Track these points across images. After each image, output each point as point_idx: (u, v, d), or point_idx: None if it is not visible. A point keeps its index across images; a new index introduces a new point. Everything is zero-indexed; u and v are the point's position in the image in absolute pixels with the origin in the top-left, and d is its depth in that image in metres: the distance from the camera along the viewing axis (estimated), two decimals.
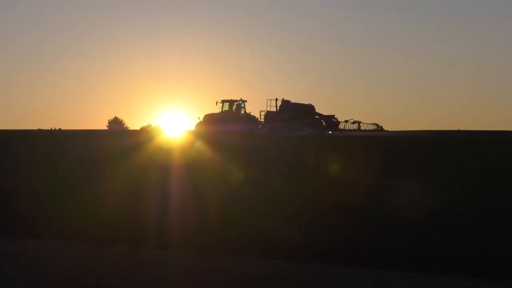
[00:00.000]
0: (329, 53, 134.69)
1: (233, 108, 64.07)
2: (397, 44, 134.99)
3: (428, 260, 7.64)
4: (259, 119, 65.03)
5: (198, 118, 64.29)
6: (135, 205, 11.30)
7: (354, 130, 69.03)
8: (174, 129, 67.06)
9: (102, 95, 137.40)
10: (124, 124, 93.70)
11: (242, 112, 63.62)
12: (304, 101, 68.03)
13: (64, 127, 71.96)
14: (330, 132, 64.61)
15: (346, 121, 69.29)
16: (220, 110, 63.57)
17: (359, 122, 70.23)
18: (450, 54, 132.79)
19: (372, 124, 71.68)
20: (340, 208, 11.21)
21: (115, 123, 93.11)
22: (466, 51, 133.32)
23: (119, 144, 35.82)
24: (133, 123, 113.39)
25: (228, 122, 60.83)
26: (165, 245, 8.65)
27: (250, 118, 63.98)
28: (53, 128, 72.83)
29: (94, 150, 30.64)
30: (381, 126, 72.09)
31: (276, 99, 66.37)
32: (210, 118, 62.76)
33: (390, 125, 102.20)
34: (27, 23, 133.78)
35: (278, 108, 65.99)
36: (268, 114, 65.75)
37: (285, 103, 66.20)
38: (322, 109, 76.12)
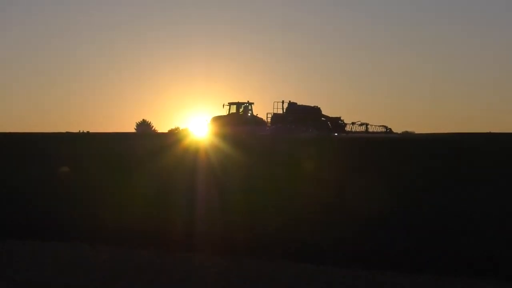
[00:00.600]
0: (339, 55, 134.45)
1: (240, 111, 64.97)
2: (403, 44, 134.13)
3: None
4: (266, 122, 65.55)
5: (206, 120, 65.23)
6: (162, 207, 11.38)
7: (361, 132, 69.40)
8: (202, 131, 67.48)
9: (130, 97, 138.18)
10: (152, 126, 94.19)
11: (249, 114, 64.50)
12: (312, 103, 69.55)
13: (92, 130, 72.51)
14: (336, 134, 64.71)
15: (353, 123, 68.55)
16: (227, 113, 64.39)
17: (366, 124, 69.21)
18: (457, 53, 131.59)
19: (380, 126, 71.94)
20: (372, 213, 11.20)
21: (143, 125, 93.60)
22: (472, 50, 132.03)
23: (147, 146, 36.02)
24: (161, 126, 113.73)
25: (235, 125, 61.71)
26: (192, 248, 8.71)
27: (257, 120, 64.98)
28: (81, 131, 73.47)
29: (122, 152, 30.86)
30: (390, 128, 72.24)
31: (283, 102, 66.91)
32: (217, 121, 63.70)
33: (399, 127, 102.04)
34: (58, 27, 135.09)
35: (284, 111, 66.25)
36: (275, 116, 66.05)
37: (291, 105, 66.73)
38: (331, 111, 76.73)
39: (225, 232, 9.45)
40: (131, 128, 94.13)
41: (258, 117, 65.48)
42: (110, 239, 9.16)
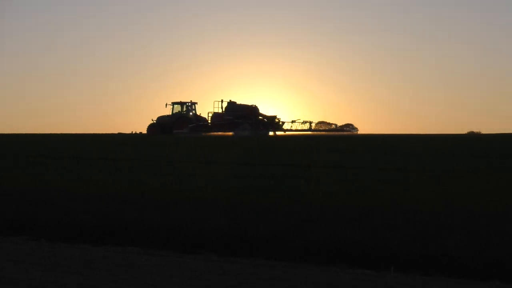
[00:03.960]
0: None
1: (183, 110, 70.05)
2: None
3: None
4: (208, 121, 70.97)
5: (152, 120, 70.53)
6: (216, 210, 11.38)
7: (304, 130, 73.96)
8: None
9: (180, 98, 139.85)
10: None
11: (191, 114, 69.92)
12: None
13: (144, 131, 73.77)
14: (271, 132, 70.20)
15: (293, 121, 74.06)
16: (171, 112, 69.86)
17: (310, 122, 74.78)
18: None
19: (328, 123, 75.86)
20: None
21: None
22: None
23: (206, 145, 36.25)
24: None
25: (179, 124, 67.18)
26: (247, 252, 8.68)
27: (199, 119, 70.03)
28: (133, 132, 74.67)
29: (177, 154, 31.12)
30: (341, 126, 77.27)
31: (222, 101, 71.54)
32: (162, 120, 68.91)
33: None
34: (94, 28, 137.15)
35: (223, 110, 70.91)
36: (215, 115, 70.86)
37: (230, 104, 71.23)
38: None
39: (283, 235, 9.36)
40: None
41: (201, 117, 71.03)
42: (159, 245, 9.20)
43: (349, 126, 79.60)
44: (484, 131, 75.80)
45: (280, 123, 73.58)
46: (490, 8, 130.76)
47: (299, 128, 74.65)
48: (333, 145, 40.38)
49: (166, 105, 70.42)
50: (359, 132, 77.78)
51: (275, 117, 73.19)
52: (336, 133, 74.07)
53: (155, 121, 70.78)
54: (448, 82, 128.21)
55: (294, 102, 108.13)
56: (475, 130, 79.35)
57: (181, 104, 71.46)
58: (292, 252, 8.47)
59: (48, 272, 7.74)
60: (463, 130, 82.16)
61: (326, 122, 79.94)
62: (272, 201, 12.21)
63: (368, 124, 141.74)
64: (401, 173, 19.17)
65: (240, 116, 70.01)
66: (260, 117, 72.32)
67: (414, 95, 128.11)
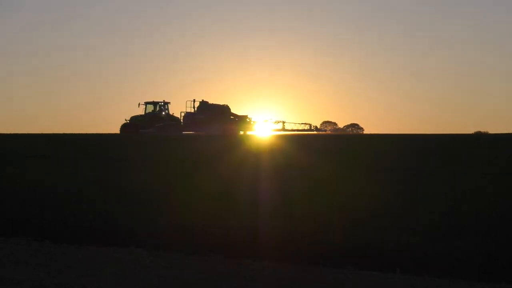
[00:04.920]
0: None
1: (156, 110, 71.81)
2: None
3: None
4: (181, 120, 72.61)
5: (126, 120, 71.76)
6: (224, 211, 11.35)
7: (277, 130, 75.55)
8: (262, 132, 72.47)
9: (187, 98, 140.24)
10: None
11: (164, 113, 71.61)
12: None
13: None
14: (242, 132, 71.56)
15: (266, 121, 75.46)
16: (144, 112, 71.42)
17: (283, 122, 76.41)
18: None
19: (303, 124, 77.29)
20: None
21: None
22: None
23: (207, 148, 36.26)
24: None
25: (152, 124, 69.01)
26: (255, 254, 8.65)
27: (172, 119, 71.62)
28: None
29: (182, 154, 31.10)
30: (315, 126, 78.33)
31: (194, 100, 73.09)
32: (136, 120, 70.80)
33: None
34: (112, 29, 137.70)
35: (195, 109, 72.75)
36: (187, 114, 72.51)
37: (203, 104, 73.10)
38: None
39: (291, 237, 9.34)
40: None
41: (174, 116, 72.36)
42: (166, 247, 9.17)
43: (354, 126, 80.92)
44: (492, 131, 75.91)
45: (252, 122, 75.23)
46: (502, 9, 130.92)
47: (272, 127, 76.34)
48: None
49: (139, 104, 72.32)
50: (364, 132, 79.03)
51: (246, 116, 74.99)
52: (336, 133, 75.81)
53: (128, 121, 72.31)
54: (454, 82, 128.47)
55: (287, 103, 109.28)
56: (482, 130, 79.74)
57: (154, 103, 73.17)
58: None
59: (51, 274, 7.71)
60: (470, 130, 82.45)
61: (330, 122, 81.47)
62: None
63: (374, 124, 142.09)
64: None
65: (212, 115, 71.83)
66: (231, 117, 74.15)
67: (420, 95, 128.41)
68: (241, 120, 74.14)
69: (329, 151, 32.93)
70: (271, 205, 11.98)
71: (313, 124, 79.17)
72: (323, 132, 79.47)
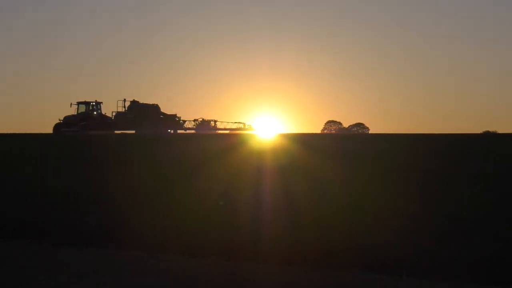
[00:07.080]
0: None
1: (89, 110, 74.06)
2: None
3: None
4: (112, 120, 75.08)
5: (59, 120, 73.79)
6: (225, 212, 11.34)
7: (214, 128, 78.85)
8: (266, 131, 72.93)
9: (191, 97, 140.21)
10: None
11: (95, 113, 73.97)
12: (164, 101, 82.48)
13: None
14: (170, 131, 74.65)
15: (195, 120, 79.21)
16: (76, 112, 73.60)
17: (215, 121, 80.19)
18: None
19: (236, 123, 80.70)
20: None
21: (203, 125, 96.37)
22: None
23: (208, 147, 36.25)
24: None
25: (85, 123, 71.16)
26: (257, 256, 8.63)
27: (105, 118, 74.32)
28: None
29: (182, 153, 31.09)
30: (249, 125, 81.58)
31: (124, 100, 76.00)
32: (69, 120, 72.93)
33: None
34: (119, 31, 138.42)
35: (126, 109, 75.53)
36: (118, 114, 75.26)
37: (133, 103, 75.69)
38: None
39: (293, 239, 9.32)
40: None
41: (106, 116, 74.92)
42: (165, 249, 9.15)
43: (359, 126, 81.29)
44: (500, 130, 75.97)
45: (181, 121, 78.05)
46: (510, 8, 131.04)
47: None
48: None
49: (71, 105, 74.10)
50: (370, 132, 79.30)
51: (175, 115, 77.47)
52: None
53: (62, 121, 73.86)
54: (458, 82, 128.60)
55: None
56: (491, 129, 79.84)
57: (86, 103, 74.98)
58: None
59: (51, 276, 7.69)
60: (478, 130, 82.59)
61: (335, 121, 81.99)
62: None
63: (379, 124, 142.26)
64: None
65: (141, 114, 74.22)
66: (161, 116, 76.53)
67: (426, 94, 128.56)
68: (170, 119, 76.82)
69: (332, 152, 32.93)
70: (274, 206, 11.96)
71: (247, 123, 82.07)
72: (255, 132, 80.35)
